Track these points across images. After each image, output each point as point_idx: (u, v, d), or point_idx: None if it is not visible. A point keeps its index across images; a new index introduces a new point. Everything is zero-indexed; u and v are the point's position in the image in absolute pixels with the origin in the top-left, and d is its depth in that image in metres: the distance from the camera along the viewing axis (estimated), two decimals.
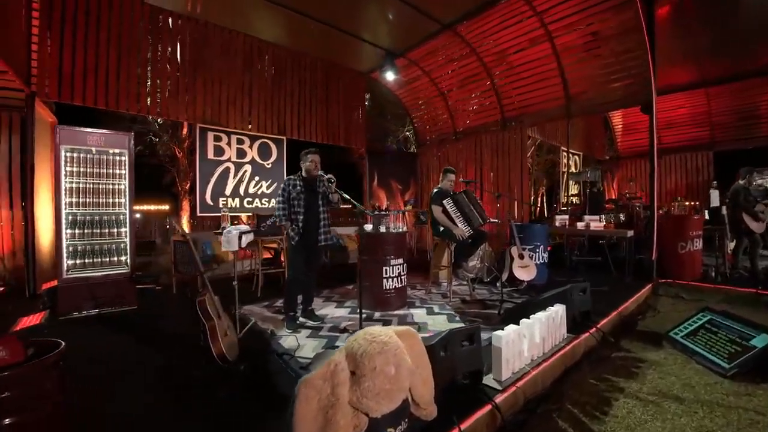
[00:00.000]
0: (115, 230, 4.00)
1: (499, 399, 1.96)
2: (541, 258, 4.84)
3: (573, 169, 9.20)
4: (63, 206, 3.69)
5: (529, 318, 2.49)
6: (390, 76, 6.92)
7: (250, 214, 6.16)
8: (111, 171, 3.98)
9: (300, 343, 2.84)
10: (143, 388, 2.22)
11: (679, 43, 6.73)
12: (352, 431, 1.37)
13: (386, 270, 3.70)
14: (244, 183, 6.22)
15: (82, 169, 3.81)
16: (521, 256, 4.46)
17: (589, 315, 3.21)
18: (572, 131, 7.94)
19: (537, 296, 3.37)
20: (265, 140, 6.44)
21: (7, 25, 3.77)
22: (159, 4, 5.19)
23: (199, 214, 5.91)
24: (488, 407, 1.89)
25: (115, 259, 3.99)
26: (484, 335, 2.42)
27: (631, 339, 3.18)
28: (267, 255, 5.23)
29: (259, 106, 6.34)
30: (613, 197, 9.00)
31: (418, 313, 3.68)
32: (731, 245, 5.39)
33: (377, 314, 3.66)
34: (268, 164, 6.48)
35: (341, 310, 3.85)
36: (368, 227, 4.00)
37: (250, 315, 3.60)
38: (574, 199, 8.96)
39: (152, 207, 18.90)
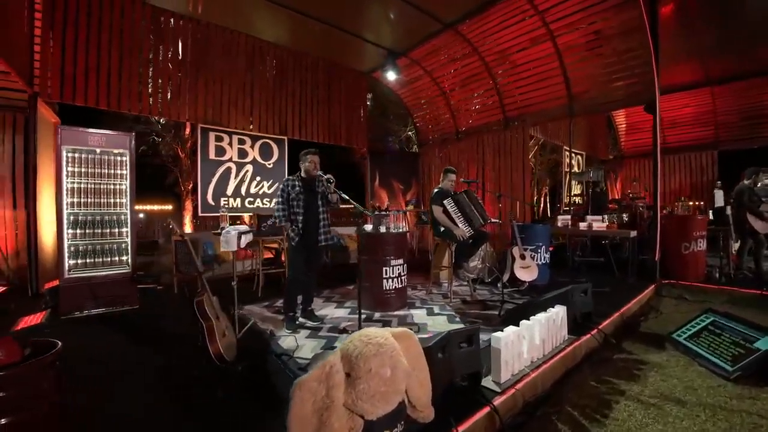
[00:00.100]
0: (117, 230, 4.01)
1: (497, 401, 1.95)
2: (542, 258, 4.81)
3: (576, 169, 9.15)
4: (64, 206, 3.71)
5: (529, 319, 2.47)
6: (391, 75, 6.91)
7: (251, 214, 6.17)
8: (112, 171, 3.99)
9: (299, 343, 2.84)
10: (142, 388, 2.22)
11: (684, 41, 6.68)
12: None
13: (386, 270, 3.69)
14: (246, 183, 6.23)
15: (83, 170, 3.83)
16: (523, 257, 4.44)
17: (590, 316, 3.18)
18: (575, 131, 7.88)
19: (538, 297, 3.35)
20: (267, 140, 6.44)
21: (10, 26, 3.80)
22: (160, 5, 5.21)
23: (200, 214, 5.93)
24: (486, 410, 1.87)
25: (117, 259, 4.00)
26: (483, 336, 2.41)
27: (633, 340, 3.15)
28: (268, 255, 5.24)
29: (261, 106, 6.34)
30: (617, 197, 8.95)
31: (419, 314, 3.66)
32: (735, 246, 5.34)
33: (377, 315, 3.65)
34: (269, 164, 6.48)
35: (341, 310, 3.84)
36: (368, 227, 3.98)
37: (250, 315, 3.60)
38: (577, 199, 8.91)
39: (155, 207, 18.99)
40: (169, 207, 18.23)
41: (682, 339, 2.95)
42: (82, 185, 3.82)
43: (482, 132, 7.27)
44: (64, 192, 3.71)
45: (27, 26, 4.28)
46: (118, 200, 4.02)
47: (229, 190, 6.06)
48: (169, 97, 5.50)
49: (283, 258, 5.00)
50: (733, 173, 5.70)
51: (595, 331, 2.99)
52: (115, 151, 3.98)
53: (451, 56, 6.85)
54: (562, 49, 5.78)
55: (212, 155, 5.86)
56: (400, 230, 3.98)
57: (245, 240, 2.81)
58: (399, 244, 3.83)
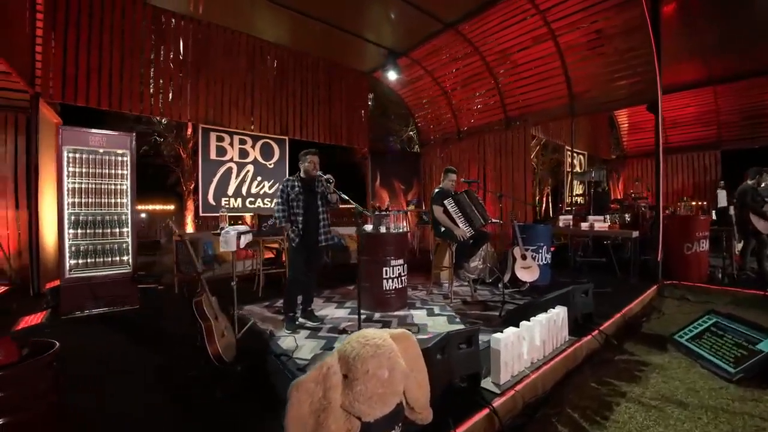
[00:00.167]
0: (117, 230, 4.02)
1: (497, 403, 1.93)
2: (544, 259, 4.79)
3: (578, 169, 9.12)
4: (66, 206, 3.72)
5: (529, 320, 2.46)
6: (392, 75, 6.90)
7: (252, 214, 6.18)
8: (113, 171, 4.00)
9: (298, 344, 2.83)
10: (141, 388, 2.22)
11: (686, 40, 6.64)
12: None
13: (386, 271, 3.68)
14: (247, 183, 6.23)
15: (84, 170, 3.84)
16: (524, 257, 4.42)
17: (591, 317, 3.16)
18: (577, 130, 7.86)
19: (539, 298, 3.33)
20: (268, 140, 6.45)
21: (12, 27, 3.81)
22: (161, 5, 5.22)
23: (201, 214, 5.95)
24: (486, 411, 1.86)
25: (117, 259, 4.01)
26: (483, 337, 2.40)
27: (634, 342, 3.13)
28: (269, 255, 5.24)
29: (262, 107, 6.35)
30: (619, 197, 8.91)
31: (419, 314, 3.65)
32: (739, 246, 5.30)
33: (377, 315, 3.64)
34: (270, 164, 6.49)
35: (341, 310, 3.83)
36: (368, 227, 3.98)
37: (251, 315, 3.60)
38: (579, 199, 8.87)
39: (157, 207, 19.06)
40: (171, 207, 18.29)
41: (684, 340, 2.93)
42: (83, 185, 3.83)
43: (484, 132, 7.25)
44: (65, 192, 3.72)
45: (29, 27, 4.29)
46: (118, 200, 4.03)
47: (230, 190, 6.06)
48: (170, 97, 5.50)
49: (283, 258, 5.00)
50: (737, 173, 5.66)
51: (596, 332, 2.97)
52: (116, 151, 3.99)
53: (452, 56, 6.83)
54: (563, 49, 5.75)
55: (213, 155, 5.87)
56: (401, 230, 3.97)
57: (245, 240, 2.80)
58: (399, 245, 3.82)
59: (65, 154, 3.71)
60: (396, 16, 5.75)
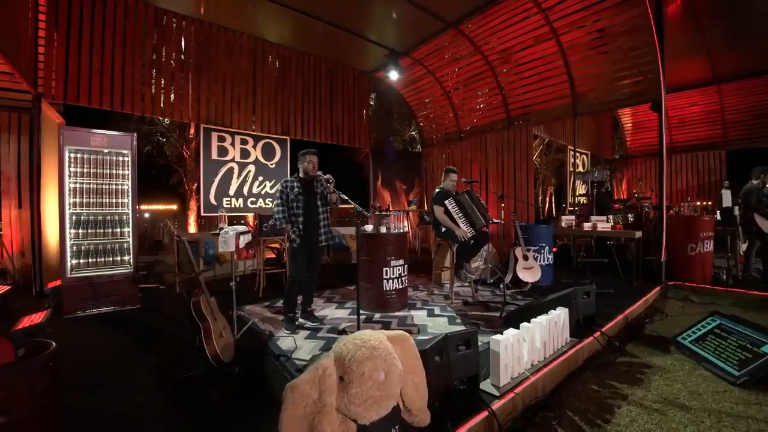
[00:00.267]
0: (119, 230, 4.03)
1: (496, 405, 1.91)
2: (546, 259, 4.76)
3: (581, 169, 9.05)
4: (67, 206, 3.74)
5: (530, 322, 2.44)
6: (394, 75, 6.87)
7: (254, 214, 6.18)
8: (114, 171, 4.01)
9: (297, 344, 2.82)
10: (139, 389, 2.21)
11: (691, 38, 6.57)
12: None
13: (386, 271, 3.66)
14: (248, 183, 6.23)
15: (85, 170, 3.85)
16: (526, 258, 4.39)
17: (593, 318, 3.13)
18: (580, 130, 7.81)
19: (540, 299, 3.30)
20: (269, 140, 6.45)
21: (14, 28, 3.82)
22: (164, 6, 5.23)
23: (203, 214, 5.96)
24: (484, 414, 1.84)
25: (119, 258, 4.02)
26: (483, 338, 2.38)
27: (637, 343, 3.10)
28: (270, 255, 5.24)
29: (263, 107, 6.35)
30: (623, 197, 8.84)
31: (419, 315, 3.63)
32: (743, 247, 5.24)
33: (377, 316, 3.62)
34: (271, 164, 6.49)
35: (341, 311, 3.82)
36: (368, 227, 3.96)
37: (251, 315, 3.60)
38: (582, 200, 8.81)
39: (161, 207, 19.12)
40: (174, 207, 18.36)
41: (687, 342, 2.89)
42: (85, 185, 3.85)
43: (486, 131, 7.22)
44: (67, 192, 3.73)
45: (31, 28, 4.31)
46: (120, 200, 4.04)
47: (232, 190, 6.07)
48: (172, 97, 5.52)
49: (285, 258, 5.00)
50: (742, 173, 5.59)
51: (598, 333, 2.94)
52: (117, 151, 4.00)
53: (453, 55, 6.80)
54: (565, 48, 5.71)
55: (215, 155, 5.87)
56: (401, 230, 3.95)
57: (244, 240, 2.80)
58: (400, 245, 3.81)
59: (66, 154, 3.73)
60: (398, 16, 5.73)
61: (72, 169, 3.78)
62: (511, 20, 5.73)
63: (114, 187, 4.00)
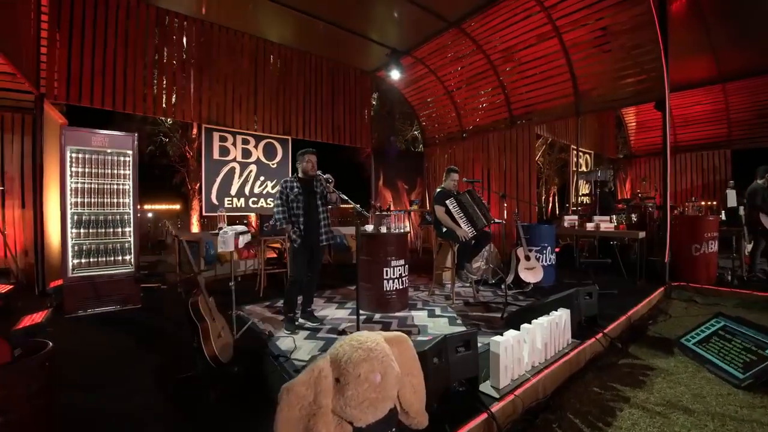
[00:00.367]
0: (120, 230, 4.04)
1: (495, 407, 1.89)
2: (548, 259, 4.73)
3: (584, 168, 8.99)
4: (68, 206, 3.75)
5: (531, 323, 2.41)
6: (395, 74, 6.85)
7: (255, 214, 6.18)
8: (116, 171, 4.02)
9: (297, 345, 2.81)
10: (138, 389, 2.21)
11: (696, 36, 6.51)
12: None
13: (387, 271, 3.65)
14: (249, 183, 6.24)
15: (87, 170, 3.86)
16: (527, 258, 4.37)
17: (595, 320, 3.09)
18: (583, 129, 7.76)
19: (542, 299, 3.27)
20: (271, 140, 6.45)
21: (16, 28, 3.84)
22: (165, 6, 5.24)
23: (204, 214, 5.97)
24: (484, 416, 1.82)
25: (120, 258, 4.03)
26: (484, 339, 2.36)
27: (640, 345, 3.06)
28: (271, 254, 5.23)
29: (265, 106, 6.35)
30: (626, 197, 8.78)
31: (420, 316, 3.61)
32: (748, 247, 5.18)
33: (377, 316, 3.61)
34: (273, 164, 6.49)
35: (342, 311, 3.81)
36: (369, 227, 3.95)
37: (251, 315, 3.59)
38: (585, 199, 8.76)
39: (164, 207, 19.20)
40: (178, 207, 18.42)
41: (691, 344, 2.86)
42: (86, 185, 3.86)
43: (488, 131, 7.18)
44: (68, 192, 3.75)
45: (33, 28, 4.33)
46: (121, 200, 4.05)
47: (233, 190, 6.08)
48: (173, 97, 5.53)
49: (286, 257, 5.00)
50: (747, 172, 5.53)
51: (600, 335, 2.91)
52: (119, 151, 4.01)
53: (456, 54, 6.77)
54: (568, 46, 5.67)
55: (216, 155, 5.88)
56: (402, 230, 3.93)
57: (243, 240, 2.79)
58: (400, 245, 3.79)
59: (68, 154, 3.74)
60: (399, 15, 5.71)
61: (73, 169, 3.79)
62: (512, 19, 5.69)
63: (115, 186, 4.01)
